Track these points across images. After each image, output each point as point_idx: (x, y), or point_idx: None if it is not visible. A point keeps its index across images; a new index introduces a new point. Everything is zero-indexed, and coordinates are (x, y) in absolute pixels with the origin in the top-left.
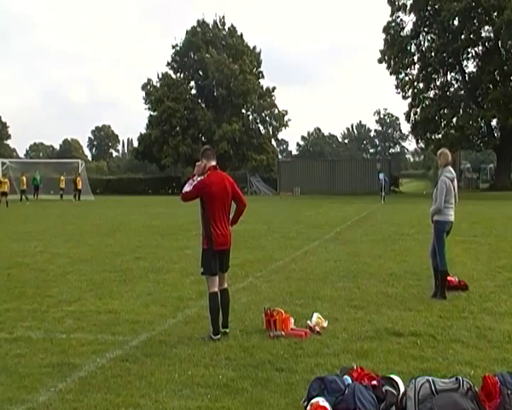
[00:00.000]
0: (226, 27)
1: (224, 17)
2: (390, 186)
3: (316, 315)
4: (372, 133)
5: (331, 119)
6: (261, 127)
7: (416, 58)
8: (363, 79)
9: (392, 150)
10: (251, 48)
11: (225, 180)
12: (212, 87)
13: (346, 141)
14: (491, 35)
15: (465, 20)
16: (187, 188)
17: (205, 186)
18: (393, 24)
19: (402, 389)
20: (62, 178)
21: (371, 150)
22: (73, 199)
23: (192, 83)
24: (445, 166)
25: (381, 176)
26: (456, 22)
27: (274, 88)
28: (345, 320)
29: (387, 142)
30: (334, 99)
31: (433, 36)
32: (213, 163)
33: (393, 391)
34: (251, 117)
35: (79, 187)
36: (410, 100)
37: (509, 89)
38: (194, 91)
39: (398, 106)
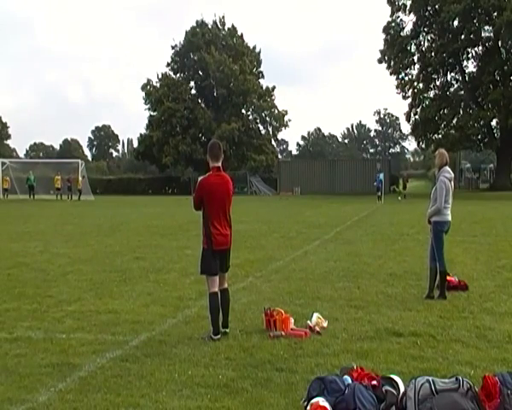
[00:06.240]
0: (226, 28)
1: (223, 17)
2: (390, 186)
3: (316, 315)
4: (372, 133)
5: (331, 119)
6: (261, 127)
7: (415, 58)
8: (364, 78)
9: (392, 150)
10: (251, 48)
11: (227, 183)
12: (212, 87)
13: (346, 141)
14: (491, 35)
15: (465, 21)
16: (194, 194)
17: (203, 186)
18: (393, 24)
19: (402, 389)
20: (58, 177)
21: (371, 150)
22: (67, 199)
23: (192, 83)
24: (443, 166)
25: (381, 176)
26: (456, 22)
27: (274, 88)
28: (345, 320)
29: (387, 142)
30: (334, 99)
31: (433, 36)
32: (217, 164)
33: (393, 391)
34: (251, 117)
35: (80, 187)
36: (410, 100)
37: (509, 89)
38: (194, 91)
39: (398, 106)
